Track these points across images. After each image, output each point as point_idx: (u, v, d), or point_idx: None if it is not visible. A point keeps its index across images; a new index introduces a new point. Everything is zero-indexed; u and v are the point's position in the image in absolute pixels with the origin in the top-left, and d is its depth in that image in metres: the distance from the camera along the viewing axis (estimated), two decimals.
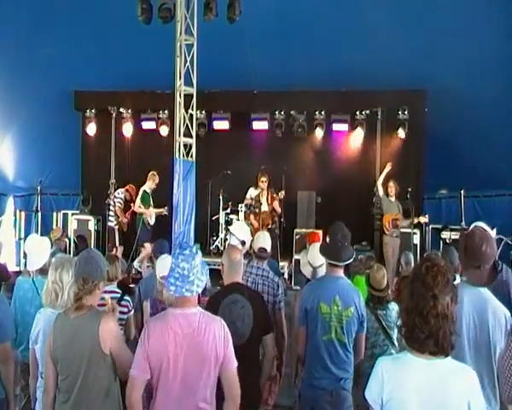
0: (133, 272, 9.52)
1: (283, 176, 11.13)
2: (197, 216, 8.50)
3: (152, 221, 10.39)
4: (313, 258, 5.09)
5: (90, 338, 3.21)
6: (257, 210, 10.50)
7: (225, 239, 10.80)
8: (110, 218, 11.20)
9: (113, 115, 12.66)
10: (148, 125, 12.33)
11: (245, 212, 10.90)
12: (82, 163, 12.90)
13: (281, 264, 9.92)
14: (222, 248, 10.83)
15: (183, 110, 8.14)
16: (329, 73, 10.15)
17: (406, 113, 11.35)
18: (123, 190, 11.25)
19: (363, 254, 9.35)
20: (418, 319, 2.29)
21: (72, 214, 12.03)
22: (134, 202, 11.33)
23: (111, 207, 11.22)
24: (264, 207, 10.50)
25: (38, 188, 12.18)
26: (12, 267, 9.31)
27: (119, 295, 4.72)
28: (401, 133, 11.42)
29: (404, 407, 2.29)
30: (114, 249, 10.59)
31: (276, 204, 10.45)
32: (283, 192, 10.55)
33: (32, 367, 3.77)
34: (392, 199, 10.09)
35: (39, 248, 4.88)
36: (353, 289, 4.19)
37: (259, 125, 11.96)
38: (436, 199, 11.76)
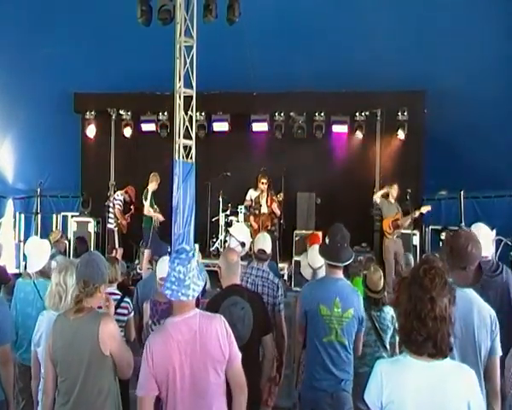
0: (133, 273, 9.54)
1: (283, 177, 11.15)
2: (197, 218, 8.49)
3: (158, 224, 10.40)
4: (313, 259, 5.10)
5: (89, 340, 3.20)
6: (257, 212, 10.49)
7: (225, 241, 10.81)
8: (110, 220, 11.20)
9: (113, 117, 12.69)
10: (147, 126, 12.34)
11: (245, 213, 10.90)
12: (82, 165, 12.90)
13: (280, 265, 9.92)
14: (222, 250, 10.82)
15: (182, 112, 8.13)
16: (329, 75, 10.15)
17: (406, 114, 11.37)
18: (122, 191, 11.25)
19: (363, 256, 9.37)
20: (416, 322, 2.29)
21: (72, 216, 12.04)
22: (134, 204, 11.35)
23: (110, 210, 11.22)
24: (264, 209, 10.49)
25: (38, 190, 12.18)
26: (11, 270, 9.31)
27: (119, 297, 4.72)
28: (401, 134, 11.44)
29: (404, 409, 2.28)
30: (114, 251, 10.58)
31: (274, 206, 10.44)
32: (282, 194, 10.55)
33: (34, 369, 3.77)
34: (392, 200, 10.08)
35: (39, 251, 4.88)
36: (353, 290, 4.18)
37: (259, 126, 11.97)
38: (436, 200, 11.75)
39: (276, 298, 4.74)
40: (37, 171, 12.22)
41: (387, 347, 4.85)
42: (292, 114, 11.93)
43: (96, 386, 3.23)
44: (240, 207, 11.04)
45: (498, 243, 8.00)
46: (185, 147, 8.21)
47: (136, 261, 10.76)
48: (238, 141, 12.19)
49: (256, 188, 10.64)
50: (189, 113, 8.24)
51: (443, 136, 10.64)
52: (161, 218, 9.92)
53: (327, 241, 4.23)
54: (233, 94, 11.68)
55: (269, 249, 5.13)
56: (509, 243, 8.65)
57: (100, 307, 3.52)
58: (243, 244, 5.84)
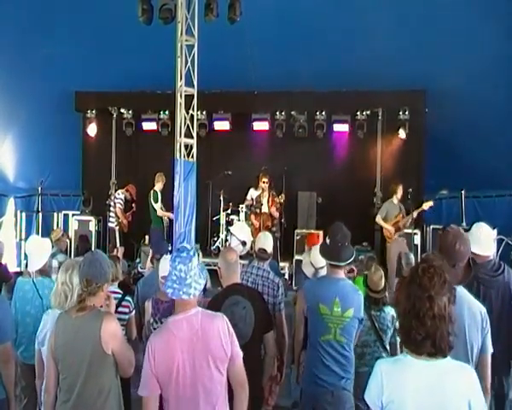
0: (134, 272, 9.54)
1: (284, 176, 11.16)
2: (198, 217, 8.50)
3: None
4: (315, 259, 5.09)
5: (91, 338, 3.21)
6: (258, 210, 10.49)
7: (226, 240, 10.81)
8: (111, 219, 11.22)
9: (114, 116, 12.69)
10: (148, 125, 12.34)
11: (246, 212, 10.90)
12: (83, 164, 12.91)
13: (281, 264, 9.93)
14: (222, 249, 10.83)
15: (183, 111, 8.14)
16: (330, 74, 10.15)
17: (407, 113, 11.37)
18: (123, 190, 11.27)
19: (364, 255, 9.36)
20: (415, 321, 2.29)
21: (73, 215, 12.04)
22: (135, 202, 11.37)
23: (111, 208, 11.23)
24: (265, 208, 10.49)
25: (39, 189, 12.21)
26: (13, 268, 9.32)
27: (120, 296, 4.73)
28: (402, 134, 11.44)
29: (404, 408, 2.28)
30: (115, 250, 10.60)
31: (273, 210, 10.42)
32: (283, 196, 10.54)
33: (38, 368, 3.77)
34: (395, 201, 9.99)
35: (40, 250, 4.88)
36: (354, 290, 4.16)
37: (260, 125, 11.97)
38: (436, 199, 11.74)
39: (277, 297, 4.73)
40: (39, 169, 12.23)
41: (387, 347, 4.85)
42: (293, 113, 11.93)
43: (98, 384, 3.23)
44: (241, 206, 11.04)
45: (499, 242, 7.99)
46: (186, 146, 8.22)
47: (137, 260, 10.77)
48: (239, 140, 12.19)
49: (257, 187, 10.64)
50: (190, 111, 8.25)
51: (444, 135, 10.64)
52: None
53: (327, 240, 4.22)
54: (234, 93, 11.68)
55: (270, 249, 5.13)
56: (510, 242, 8.65)
57: (101, 306, 3.52)
58: (244, 243, 5.87)
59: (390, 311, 4.88)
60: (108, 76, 10.99)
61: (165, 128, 12.01)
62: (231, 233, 8.42)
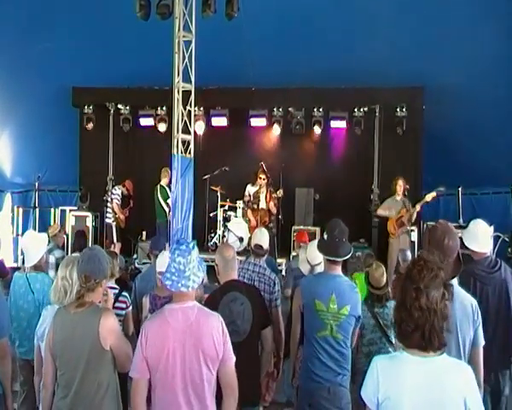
0: (131, 268, 9.54)
1: (281, 173, 11.15)
2: (195, 213, 8.50)
3: None
4: (312, 255, 5.09)
5: (89, 334, 3.21)
6: (255, 206, 10.49)
7: (223, 236, 10.80)
8: (108, 214, 11.22)
9: (111, 112, 12.66)
10: (146, 121, 12.30)
11: (243, 208, 10.90)
12: (80, 159, 12.86)
13: (278, 261, 9.93)
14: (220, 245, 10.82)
15: (181, 107, 8.13)
16: (328, 70, 10.14)
17: (404, 110, 11.35)
18: (120, 185, 11.27)
19: (361, 251, 9.38)
20: (404, 313, 2.30)
21: (70, 211, 12.02)
22: (132, 198, 11.38)
23: (108, 204, 11.23)
24: (263, 205, 10.49)
25: (36, 184, 12.19)
26: (9, 264, 9.32)
27: (117, 291, 4.73)
28: (399, 131, 11.42)
29: (400, 405, 2.28)
30: (112, 246, 10.59)
31: (271, 205, 10.42)
32: (281, 191, 10.53)
33: (36, 364, 3.76)
34: (398, 198, 9.89)
35: (35, 244, 4.88)
36: (351, 286, 4.15)
37: (257, 121, 11.95)
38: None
39: (273, 294, 4.74)
40: (36, 165, 12.22)
41: (393, 341, 4.84)
42: (290, 109, 11.91)
43: (96, 380, 3.24)
44: (238, 202, 11.04)
45: (496, 239, 8.02)
46: (184, 142, 8.21)
47: (135, 256, 10.77)
48: (236, 136, 12.18)
49: (254, 183, 10.64)
50: (188, 107, 8.24)
51: (441, 132, 10.65)
52: None
53: (325, 236, 4.22)
54: (231, 89, 11.65)
55: (266, 245, 5.13)
56: (507, 239, 8.68)
57: (99, 302, 3.53)
58: (241, 239, 5.88)
59: (393, 306, 4.87)
60: (106, 72, 10.96)
61: (162, 124, 11.98)
62: (228, 229, 8.45)
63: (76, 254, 4.35)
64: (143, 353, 2.92)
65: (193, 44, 8.07)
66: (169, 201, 10.08)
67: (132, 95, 12.18)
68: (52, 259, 6.77)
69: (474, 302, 3.28)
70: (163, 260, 4.43)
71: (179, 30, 8.00)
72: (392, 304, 4.89)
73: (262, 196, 10.48)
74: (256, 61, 10.12)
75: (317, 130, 11.75)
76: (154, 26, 8.13)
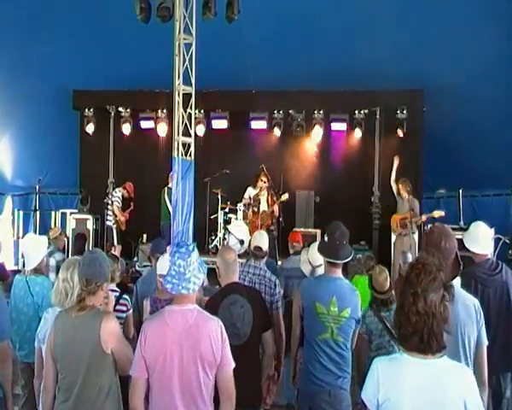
0: (131, 271, 9.53)
1: (282, 175, 11.16)
2: (195, 215, 8.49)
3: None
4: (313, 256, 5.08)
5: (91, 338, 3.21)
6: (255, 209, 10.49)
7: (224, 238, 10.80)
8: (108, 217, 11.21)
9: (112, 114, 12.67)
10: (146, 124, 12.33)
11: (243, 211, 10.90)
12: (80, 162, 12.88)
13: (279, 263, 9.91)
14: (220, 248, 10.82)
15: (181, 109, 8.12)
16: (328, 73, 10.14)
17: (405, 112, 11.38)
18: (120, 188, 11.26)
19: (362, 254, 9.36)
20: (402, 317, 2.31)
21: (71, 213, 12.04)
22: (133, 200, 11.37)
23: (109, 207, 11.22)
24: (264, 207, 10.48)
25: (37, 187, 12.20)
26: (10, 267, 9.32)
27: (117, 294, 4.73)
28: (399, 133, 11.43)
29: (400, 407, 2.28)
30: (113, 248, 10.59)
31: (276, 208, 10.42)
32: (286, 195, 10.49)
33: (37, 367, 3.76)
34: (405, 198, 9.84)
35: (36, 247, 4.88)
36: (351, 289, 4.14)
37: (258, 124, 11.96)
38: (434, 198, 11.77)
39: (274, 296, 4.74)
40: (36, 168, 12.23)
41: None
42: (291, 111, 11.92)
43: (97, 384, 3.23)
44: (238, 204, 11.04)
45: (497, 241, 8.03)
46: (184, 144, 8.20)
47: (135, 258, 10.77)
48: (237, 139, 12.19)
49: (255, 185, 10.63)
50: (188, 110, 8.23)
51: (442, 134, 10.65)
52: None
53: (325, 238, 4.22)
54: (232, 92, 11.66)
55: (265, 247, 5.13)
56: (508, 241, 8.67)
57: (100, 305, 3.52)
58: (242, 242, 5.87)
59: None
60: (106, 74, 10.98)
61: (162, 127, 11.99)
62: (229, 232, 8.41)
63: (77, 257, 4.35)
64: (142, 352, 2.94)
65: (193, 47, 8.07)
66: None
67: (133, 97, 12.19)
68: (53, 262, 6.78)
69: (477, 302, 3.28)
70: (164, 263, 4.43)
71: (180, 32, 7.99)
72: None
73: (263, 199, 10.47)
74: (256, 63, 10.13)
75: (318, 132, 11.76)
76: (154, 28, 8.13)
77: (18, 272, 5.58)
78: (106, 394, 3.25)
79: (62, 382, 3.28)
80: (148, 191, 12.09)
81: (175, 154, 8.04)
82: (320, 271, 4.83)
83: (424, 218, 9.55)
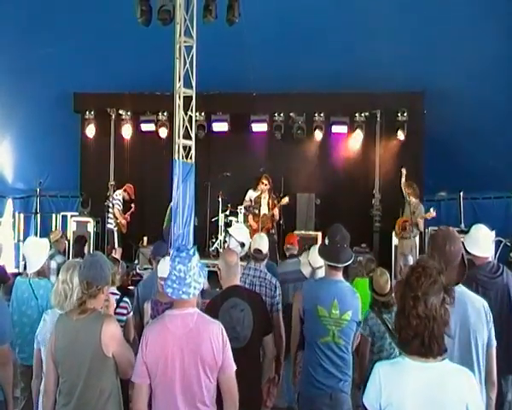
0: (132, 273, 9.52)
1: (282, 178, 11.15)
2: (196, 218, 8.49)
3: None
4: (314, 259, 5.08)
5: (92, 341, 3.20)
6: (256, 211, 10.48)
7: (225, 241, 10.80)
8: (109, 220, 11.20)
9: (113, 117, 12.68)
10: (147, 126, 12.34)
11: (244, 214, 10.89)
12: (81, 165, 12.90)
13: None
14: (221, 250, 10.81)
15: (182, 112, 8.14)
16: (328, 75, 10.15)
17: (405, 115, 11.37)
18: (121, 191, 11.26)
19: (363, 257, 9.34)
20: (403, 321, 2.30)
21: (72, 216, 12.03)
22: (133, 202, 11.35)
23: (110, 209, 11.22)
24: (264, 210, 10.46)
25: (37, 190, 12.19)
26: (11, 269, 9.32)
27: (118, 297, 4.72)
28: (400, 135, 11.43)
29: None
30: (113, 251, 10.58)
31: (276, 211, 10.41)
32: (287, 199, 10.49)
33: (35, 368, 3.75)
34: (411, 201, 9.77)
35: (37, 251, 4.87)
36: (352, 292, 4.14)
37: (259, 127, 11.96)
38: (435, 201, 11.75)
39: (274, 298, 4.74)
40: (37, 171, 12.23)
41: None
42: (291, 114, 11.93)
43: (98, 387, 3.22)
44: (239, 207, 11.04)
45: (498, 244, 8.00)
46: (185, 147, 8.21)
47: (136, 261, 10.76)
48: (238, 141, 12.19)
49: (255, 188, 10.63)
50: (189, 113, 8.24)
51: (442, 137, 10.65)
52: None
53: (326, 241, 4.20)
54: (233, 94, 11.68)
55: (265, 249, 5.13)
56: (509, 243, 8.65)
57: (101, 308, 3.52)
58: (243, 245, 5.85)
59: None
60: (107, 77, 10.99)
61: (163, 129, 12.00)
62: (230, 235, 8.40)
63: (77, 260, 4.35)
64: (144, 358, 2.94)
65: (194, 50, 8.08)
66: None
67: (133, 100, 12.20)
68: (53, 264, 6.77)
69: (486, 304, 3.28)
70: (165, 266, 4.42)
71: (180, 35, 8.01)
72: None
73: (264, 202, 10.46)
74: (257, 66, 10.13)
75: (319, 135, 11.76)
76: (155, 31, 8.15)
77: (19, 274, 5.58)
78: (107, 397, 3.24)
79: (63, 385, 3.27)
80: (149, 194, 12.10)
81: (176, 156, 8.05)
82: (320, 273, 4.82)
83: (420, 220, 9.57)
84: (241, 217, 10.99)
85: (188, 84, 8.15)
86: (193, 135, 8.38)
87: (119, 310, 4.57)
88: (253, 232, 9.53)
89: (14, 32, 9.38)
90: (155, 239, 9.56)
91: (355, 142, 11.88)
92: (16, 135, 11.70)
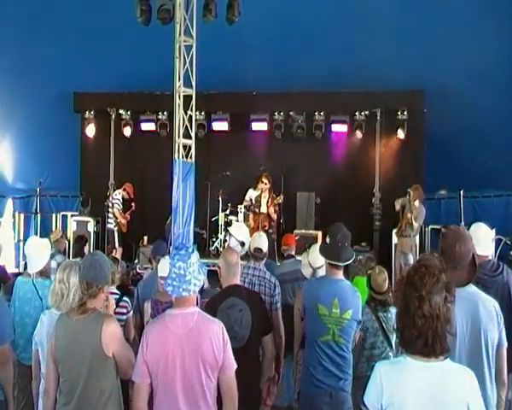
0: (132, 273, 9.52)
1: (282, 177, 11.14)
2: (196, 218, 8.48)
3: None
4: (314, 258, 5.08)
5: (92, 341, 3.21)
6: (256, 210, 10.48)
7: (225, 240, 10.80)
8: (109, 219, 11.21)
9: (113, 117, 12.66)
10: (147, 126, 12.33)
11: (244, 213, 10.89)
12: (81, 165, 12.89)
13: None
14: (221, 250, 10.81)
15: (182, 111, 8.13)
16: (328, 74, 10.15)
17: (405, 113, 11.36)
18: (120, 190, 11.26)
19: (363, 255, 9.34)
20: (407, 321, 2.29)
21: (72, 216, 12.03)
22: (133, 201, 11.35)
23: (110, 209, 11.22)
24: (264, 209, 10.47)
25: (37, 190, 12.19)
26: (11, 269, 9.32)
27: (117, 296, 4.72)
28: (400, 134, 11.43)
29: None
30: (114, 251, 10.59)
31: (271, 210, 10.41)
32: (281, 197, 10.51)
33: (34, 369, 3.76)
34: (412, 203, 9.67)
35: (39, 251, 4.86)
36: (353, 291, 4.15)
37: (259, 126, 11.96)
38: (435, 200, 11.76)
39: (273, 297, 4.74)
40: (37, 170, 12.22)
41: (394, 347, 4.82)
42: (291, 113, 11.92)
43: (98, 387, 3.23)
44: (239, 206, 11.04)
45: (498, 242, 8.01)
46: (185, 146, 8.20)
47: (136, 261, 10.76)
48: (238, 140, 12.19)
49: (255, 187, 10.63)
50: (189, 112, 8.23)
51: (442, 136, 10.65)
52: None
53: (327, 240, 4.21)
54: (232, 93, 11.68)
55: (265, 248, 5.13)
56: (509, 242, 8.66)
57: (101, 307, 3.52)
58: (243, 244, 5.86)
59: (394, 312, 4.86)
60: (107, 77, 11.00)
61: (163, 129, 11.99)
62: (230, 234, 8.40)
63: (75, 260, 4.35)
64: (144, 357, 2.94)
65: (194, 49, 8.07)
66: None
67: (133, 100, 12.20)
68: (54, 264, 6.73)
69: (497, 304, 3.27)
70: (165, 265, 4.42)
71: (180, 35, 8.00)
72: (393, 310, 4.87)
73: (264, 201, 10.47)
74: (257, 65, 10.11)
75: (318, 134, 11.75)
76: (154, 30, 8.15)
77: (19, 274, 5.56)
78: (107, 397, 3.25)
79: (63, 385, 3.28)
80: (149, 194, 12.10)
81: (175, 156, 8.04)
82: (321, 272, 4.83)
83: (408, 215, 9.55)
84: (241, 216, 10.99)
85: (188, 84, 8.14)
86: (193, 134, 8.37)
87: (118, 309, 4.57)
88: (253, 231, 9.54)
89: (14, 32, 9.38)
90: (155, 238, 9.54)
91: (355, 140, 11.87)
92: (16, 135, 11.69)
